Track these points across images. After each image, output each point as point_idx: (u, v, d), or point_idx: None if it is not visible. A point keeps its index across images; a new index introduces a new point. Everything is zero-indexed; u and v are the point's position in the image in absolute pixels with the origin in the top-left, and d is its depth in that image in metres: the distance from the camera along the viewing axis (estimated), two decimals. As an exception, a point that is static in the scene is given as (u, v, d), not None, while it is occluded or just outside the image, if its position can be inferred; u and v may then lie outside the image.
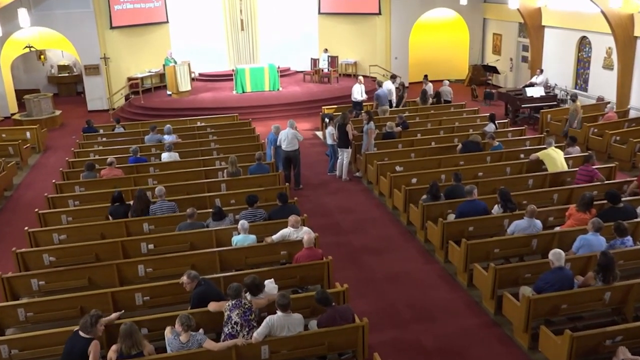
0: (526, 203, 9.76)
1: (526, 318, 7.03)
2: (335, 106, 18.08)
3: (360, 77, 17.77)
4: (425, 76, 18.75)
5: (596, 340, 6.35)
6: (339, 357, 6.90)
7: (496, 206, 9.42)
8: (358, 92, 17.02)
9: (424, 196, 10.22)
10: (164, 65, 21.70)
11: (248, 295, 6.75)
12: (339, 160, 13.62)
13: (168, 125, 14.64)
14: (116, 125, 15.87)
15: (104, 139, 15.18)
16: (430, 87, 18.19)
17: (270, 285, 7.11)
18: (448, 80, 19.48)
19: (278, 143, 12.77)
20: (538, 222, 8.63)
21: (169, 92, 21.56)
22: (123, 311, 6.95)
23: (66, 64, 24.23)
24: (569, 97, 16.58)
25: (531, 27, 19.87)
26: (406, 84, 22.37)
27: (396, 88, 17.66)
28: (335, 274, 8.41)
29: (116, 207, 9.73)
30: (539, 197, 10.28)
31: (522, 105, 17.69)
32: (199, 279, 6.92)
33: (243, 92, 21.75)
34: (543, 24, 19.72)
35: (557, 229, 8.97)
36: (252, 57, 24.56)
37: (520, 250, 8.66)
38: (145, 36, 22.53)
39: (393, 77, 18.10)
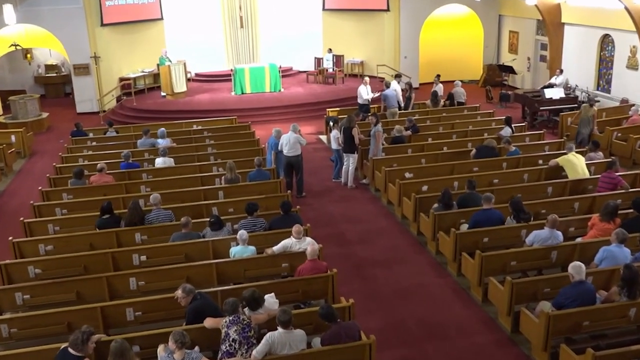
0: (545, 212, 9.74)
1: (545, 336, 7.00)
2: (340, 108, 18.11)
3: (366, 78, 17.76)
4: (437, 76, 18.74)
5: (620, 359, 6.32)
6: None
7: (508, 218, 9.39)
8: (365, 92, 17.02)
9: (435, 205, 10.22)
10: (158, 65, 21.80)
11: (247, 310, 6.75)
12: (344, 166, 13.63)
13: (162, 129, 14.68)
14: (109, 128, 15.91)
15: (94, 144, 15.21)
16: (440, 88, 18.18)
17: (270, 299, 7.10)
18: (461, 80, 19.47)
19: (279, 148, 12.79)
20: (559, 233, 8.61)
21: (163, 94, 21.65)
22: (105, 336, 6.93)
23: (54, 64, 24.36)
24: (587, 99, 16.49)
25: (550, 24, 19.88)
26: (416, 85, 22.40)
27: (402, 89, 17.66)
28: (340, 287, 8.40)
29: (105, 220, 9.64)
30: (559, 206, 10.26)
31: (541, 108, 17.68)
32: (195, 293, 6.92)
33: (242, 93, 21.81)
34: (563, 21, 19.74)
35: (579, 240, 8.95)
36: (251, 56, 24.64)
37: (538, 263, 8.64)
38: (138, 34, 22.63)
39: (398, 77, 18.10)
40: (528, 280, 8.00)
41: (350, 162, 13.43)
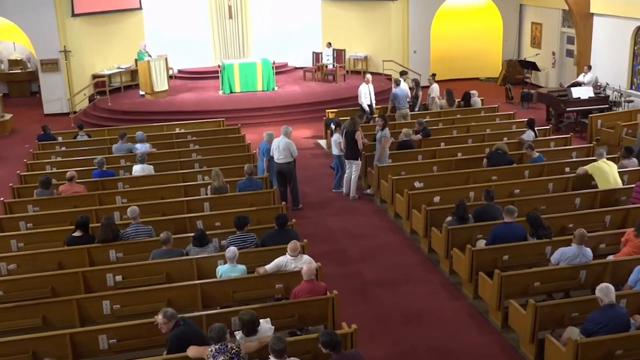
0: (572, 227, 9.75)
1: (574, 366, 7.00)
2: (341, 109, 18.14)
3: (368, 75, 17.67)
4: (433, 75, 18.52)
5: (659, 393, 6.32)
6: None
7: (527, 235, 9.40)
8: (365, 95, 16.99)
9: (449, 218, 10.22)
10: (136, 60, 21.83)
11: (238, 335, 6.72)
12: (346, 175, 13.64)
13: (140, 132, 14.71)
14: (79, 132, 15.93)
15: (63, 149, 15.23)
16: (435, 89, 17.94)
17: (265, 325, 7.11)
18: (477, 78, 19.45)
19: (271, 153, 12.81)
20: (588, 250, 8.63)
21: (141, 92, 21.69)
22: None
23: (19, 59, 24.39)
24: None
25: (577, 14, 19.97)
26: (427, 83, 22.43)
27: (409, 87, 17.68)
28: (342, 311, 8.39)
29: (76, 239, 9.57)
30: (588, 220, 10.28)
31: (567, 109, 17.74)
32: (177, 318, 6.91)
33: (231, 92, 21.86)
34: (591, 11, 19.82)
35: (610, 258, 8.96)
36: (242, 50, 24.71)
37: (565, 284, 8.65)
38: (114, 25, 22.71)
39: (403, 74, 18.06)
40: (554, 303, 8.00)
41: (352, 169, 13.45)
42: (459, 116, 16.90)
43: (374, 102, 17.24)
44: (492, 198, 10.27)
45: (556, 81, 22.31)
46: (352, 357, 6.58)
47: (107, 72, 22.36)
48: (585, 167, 11.81)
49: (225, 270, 8.56)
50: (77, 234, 9.61)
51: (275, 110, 20.28)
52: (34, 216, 11.13)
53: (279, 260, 8.51)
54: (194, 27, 24.38)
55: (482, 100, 18.25)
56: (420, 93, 17.98)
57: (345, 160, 13.51)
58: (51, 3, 20.64)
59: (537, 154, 12.82)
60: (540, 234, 9.21)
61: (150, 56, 21.35)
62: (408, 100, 17.26)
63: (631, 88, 18.74)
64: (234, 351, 6.40)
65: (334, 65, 23.40)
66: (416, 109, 17.60)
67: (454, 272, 9.96)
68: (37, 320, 8.04)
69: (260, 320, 7.07)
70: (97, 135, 16.37)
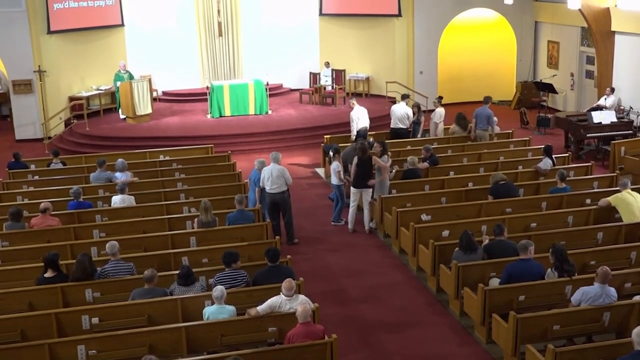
0: (594, 264, 9.76)
1: (598, 419, 6.96)
2: (342, 134, 18.20)
3: (353, 101, 17.83)
4: (439, 98, 18.56)
5: None
6: None
7: (549, 270, 9.39)
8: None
9: (456, 249, 10.22)
10: (114, 82, 21.95)
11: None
12: (351, 208, 13.55)
13: (121, 160, 14.73)
14: (53, 159, 15.96)
15: (36, 178, 15.24)
16: (440, 113, 18.02)
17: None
18: (490, 100, 19.48)
19: (261, 184, 12.84)
20: (612, 290, 8.62)
21: (122, 116, 21.78)
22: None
23: (-12, 79, 24.52)
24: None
25: (597, 32, 20.15)
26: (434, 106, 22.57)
27: (413, 112, 17.79)
28: (342, 357, 8.37)
29: (49, 280, 9.50)
30: (612, 256, 10.28)
31: (588, 135, 17.83)
32: (159, 364, 6.89)
33: (220, 116, 21.95)
34: (613, 29, 20.01)
35: (637, 298, 8.95)
36: (232, 70, 24.87)
37: (587, 327, 8.63)
38: (93, 43, 22.86)
39: (405, 97, 18.18)
40: (575, 348, 7.98)
41: (365, 199, 13.35)
42: (469, 143, 16.96)
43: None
44: (502, 232, 10.23)
45: (575, 105, 22.43)
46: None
47: (85, 94, 22.45)
48: (607, 198, 11.84)
49: (212, 312, 8.53)
50: (48, 274, 9.52)
51: (269, 135, 20.36)
52: (3, 251, 11.10)
53: (273, 301, 8.49)
54: (180, 45, 24.54)
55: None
56: (423, 118, 18.05)
57: (355, 190, 13.40)
58: (25, 19, 20.76)
59: (565, 184, 12.81)
60: (565, 269, 9.20)
61: (132, 77, 21.45)
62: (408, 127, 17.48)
63: (657, 112, 18.86)
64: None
65: (332, 86, 23.54)
66: (418, 135, 17.69)
67: (465, 314, 9.94)
68: (5, 367, 8.01)
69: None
70: (74, 163, 16.41)
